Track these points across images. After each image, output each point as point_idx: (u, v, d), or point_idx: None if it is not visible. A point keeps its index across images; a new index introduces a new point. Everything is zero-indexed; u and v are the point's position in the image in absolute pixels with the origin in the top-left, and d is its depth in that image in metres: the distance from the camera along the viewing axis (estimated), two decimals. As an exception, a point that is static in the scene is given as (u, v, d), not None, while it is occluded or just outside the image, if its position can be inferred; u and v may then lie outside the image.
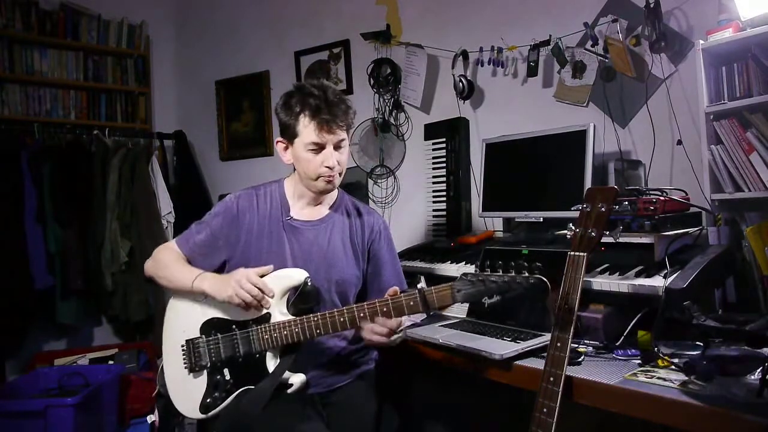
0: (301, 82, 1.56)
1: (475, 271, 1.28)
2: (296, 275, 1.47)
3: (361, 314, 1.37)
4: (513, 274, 1.23)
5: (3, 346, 3.05)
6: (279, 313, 1.46)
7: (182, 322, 1.55)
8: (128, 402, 2.88)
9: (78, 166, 3.27)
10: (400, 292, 1.39)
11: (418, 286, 1.35)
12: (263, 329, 1.44)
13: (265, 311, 1.46)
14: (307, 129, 1.47)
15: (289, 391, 1.43)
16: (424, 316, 1.97)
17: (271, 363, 1.45)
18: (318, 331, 1.40)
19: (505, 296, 1.22)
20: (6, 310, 2.95)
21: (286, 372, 1.44)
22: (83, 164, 3.30)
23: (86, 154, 3.34)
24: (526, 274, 1.21)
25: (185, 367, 1.51)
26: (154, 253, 1.63)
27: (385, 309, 1.35)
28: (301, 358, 1.49)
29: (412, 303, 1.33)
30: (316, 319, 1.40)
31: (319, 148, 1.48)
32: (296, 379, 1.44)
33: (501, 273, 1.24)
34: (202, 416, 1.47)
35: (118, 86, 3.69)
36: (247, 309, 1.43)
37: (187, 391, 1.51)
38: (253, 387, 1.43)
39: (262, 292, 1.41)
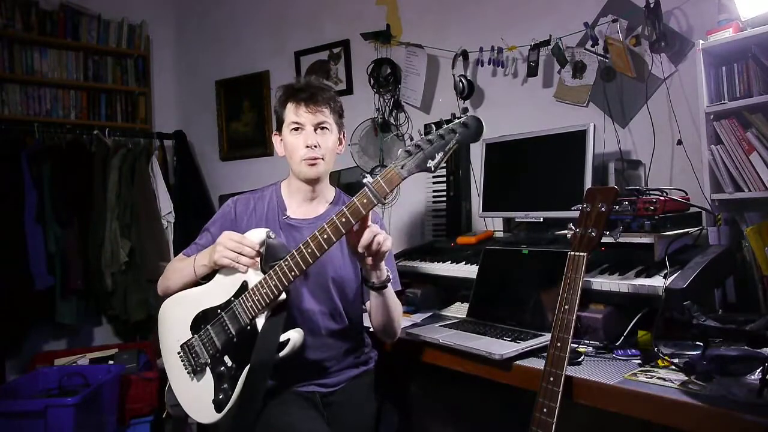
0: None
1: (419, 146, 1.25)
2: (258, 234, 1.44)
3: (324, 236, 1.31)
4: (445, 126, 1.20)
5: (3, 346, 3.05)
6: (254, 275, 1.43)
7: (173, 331, 1.54)
8: (128, 402, 2.88)
9: (78, 166, 3.27)
10: (389, 281, 1.42)
11: (364, 180, 1.29)
12: (245, 298, 1.41)
13: (242, 281, 1.43)
14: (288, 111, 1.56)
15: (288, 349, 1.38)
16: (425, 315, 1.97)
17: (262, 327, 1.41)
18: (293, 273, 1.34)
19: (447, 150, 1.19)
20: (6, 310, 2.95)
21: (281, 333, 1.39)
22: (83, 164, 3.30)
23: (86, 154, 3.34)
24: (457, 120, 1.18)
25: (189, 374, 1.49)
26: (164, 271, 1.65)
27: (344, 219, 1.29)
28: (301, 358, 1.49)
29: (365, 200, 1.27)
30: (287, 262, 1.35)
31: (299, 127, 1.53)
32: (293, 335, 1.39)
33: (435, 130, 1.21)
34: (219, 416, 1.42)
35: (118, 86, 3.69)
36: (239, 267, 1.41)
37: (198, 398, 1.47)
38: (251, 364, 1.38)
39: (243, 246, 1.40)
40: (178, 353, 1.51)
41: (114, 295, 3.29)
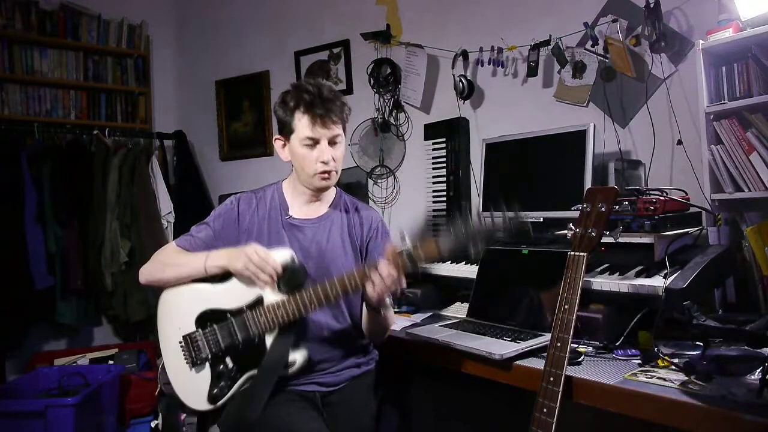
0: (299, 81, 1.58)
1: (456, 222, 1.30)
2: (281, 255, 1.46)
3: (352, 282, 1.37)
4: (494, 220, 1.24)
5: (3, 346, 3.05)
6: (271, 294, 1.46)
7: (175, 319, 1.55)
8: (128, 402, 2.88)
9: (78, 166, 3.27)
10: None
11: (404, 244, 1.35)
12: (258, 312, 1.45)
13: (257, 294, 1.46)
14: (301, 123, 1.50)
15: (293, 369, 1.43)
16: (425, 315, 1.97)
17: (271, 343, 1.45)
18: (312, 305, 1.40)
19: (489, 243, 1.24)
20: (6, 310, 2.95)
21: (288, 352, 1.43)
22: (83, 164, 3.29)
23: (86, 154, 3.34)
24: (508, 219, 1.23)
25: (187, 363, 1.51)
26: (152, 257, 1.62)
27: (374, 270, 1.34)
28: (302, 336, 1.50)
29: (399, 262, 1.32)
30: (309, 293, 1.40)
31: (314, 142, 1.51)
32: (298, 356, 1.43)
33: (481, 221, 1.25)
34: (212, 407, 1.46)
35: (118, 86, 3.69)
36: (257, 281, 1.44)
37: (192, 386, 1.50)
38: (256, 371, 1.43)
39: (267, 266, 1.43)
40: (179, 343, 1.52)
41: (114, 295, 3.29)
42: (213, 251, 1.52)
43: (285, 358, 1.43)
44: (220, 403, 1.46)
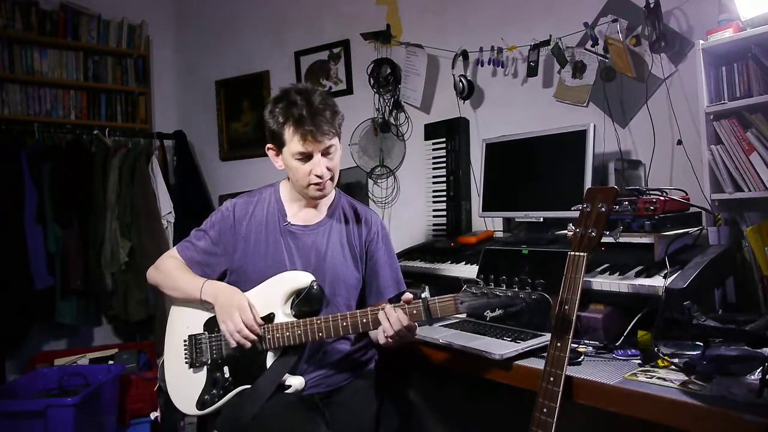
0: (288, 87, 1.51)
1: (478, 278, 1.30)
2: (302, 278, 1.48)
3: (364, 320, 1.39)
4: (516, 289, 1.24)
5: (3, 346, 3.05)
6: (283, 314, 1.47)
7: (186, 318, 1.57)
8: (128, 402, 2.88)
9: (78, 166, 3.27)
10: (402, 298, 1.41)
11: (422, 295, 1.38)
12: (266, 329, 1.46)
13: (269, 311, 1.48)
14: (292, 140, 1.47)
15: (287, 392, 1.44)
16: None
17: (272, 363, 1.46)
18: (320, 334, 1.42)
19: (508, 310, 1.25)
20: (6, 310, 2.95)
21: (285, 374, 1.45)
22: (83, 164, 3.29)
23: (86, 154, 3.34)
24: (529, 290, 1.22)
25: (186, 362, 1.53)
26: (157, 263, 1.64)
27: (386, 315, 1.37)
28: (303, 358, 1.50)
29: (415, 312, 1.35)
30: (318, 322, 1.42)
31: (307, 157, 1.48)
32: (295, 382, 1.45)
33: (504, 287, 1.25)
34: (198, 413, 1.48)
35: (118, 86, 3.69)
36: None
37: (185, 387, 1.52)
38: (250, 386, 1.45)
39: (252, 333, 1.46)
40: (184, 341, 1.54)
41: (114, 295, 3.29)
42: (209, 285, 1.53)
43: (281, 381, 1.44)
44: (207, 410, 1.48)
